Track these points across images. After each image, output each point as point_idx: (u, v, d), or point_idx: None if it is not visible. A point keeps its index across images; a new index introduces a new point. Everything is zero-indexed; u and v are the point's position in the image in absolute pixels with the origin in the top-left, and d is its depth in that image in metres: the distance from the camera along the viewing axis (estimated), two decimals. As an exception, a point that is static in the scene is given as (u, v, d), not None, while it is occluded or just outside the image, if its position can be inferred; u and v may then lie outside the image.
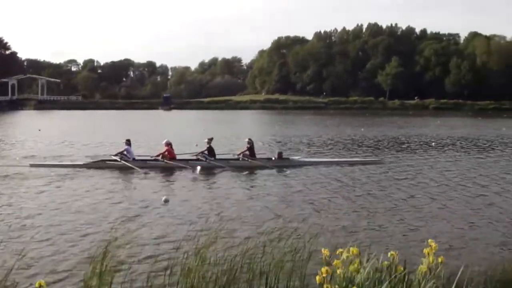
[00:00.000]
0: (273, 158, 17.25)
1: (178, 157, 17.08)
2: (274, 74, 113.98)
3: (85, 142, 26.13)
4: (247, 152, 17.10)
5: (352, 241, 6.66)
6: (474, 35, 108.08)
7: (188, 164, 16.38)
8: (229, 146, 22.95)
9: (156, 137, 25.76)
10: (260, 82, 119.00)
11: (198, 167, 16.00)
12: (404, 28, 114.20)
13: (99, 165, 16.46)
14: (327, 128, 40.46)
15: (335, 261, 3.63)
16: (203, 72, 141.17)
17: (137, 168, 15.88)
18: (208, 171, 15.98)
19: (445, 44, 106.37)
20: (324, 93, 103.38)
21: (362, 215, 10.22)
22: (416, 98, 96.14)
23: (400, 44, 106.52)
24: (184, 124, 47.79)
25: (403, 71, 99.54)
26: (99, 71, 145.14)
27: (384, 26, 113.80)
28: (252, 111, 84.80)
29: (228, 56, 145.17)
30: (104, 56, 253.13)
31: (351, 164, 17.83)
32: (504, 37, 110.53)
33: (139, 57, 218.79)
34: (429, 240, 3.79)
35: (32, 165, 16.47)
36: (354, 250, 3.66)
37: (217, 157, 17.12)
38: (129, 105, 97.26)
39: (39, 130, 34.76)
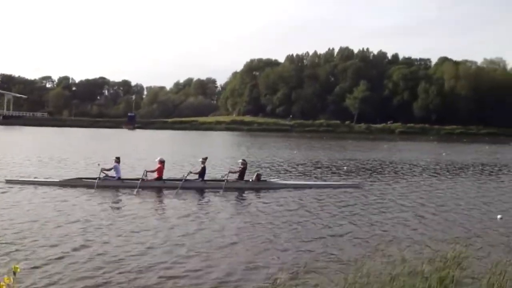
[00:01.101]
0: (251, 180, 17.38)
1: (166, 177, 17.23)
2: (245, 96, 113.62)
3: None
4: (237, 174, 17.37)
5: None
6: (443, 60, 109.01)
7: (171, 184, 16.49)
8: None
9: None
10: (232, 104, 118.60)
11: (178, 189, 15.95)
12: (375, 52, 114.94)
13: (75, 183, 16.58)
14: (266, 150, 39.48)
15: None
16: (177, 92, 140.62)
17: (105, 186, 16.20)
18: (186, 192, 16.00)
19: (414, 69, 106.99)
20: (291, 116, 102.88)
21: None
22: (389, 122, 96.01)
23: (371, 68, 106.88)
24: (142, 144, 46.19)
25: (371, 94, 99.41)
26: (74, 88, 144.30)
27: (356, 50, 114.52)
28: (215, 132, 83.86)
29: (204, 76, 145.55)
30: (84, 74, 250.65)
31: (324, 187, 17.64)
32: (475, 62, 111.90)
33: (116, 76, 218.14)
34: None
35: (8, 181, 16.50)
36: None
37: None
38: (94, 123, 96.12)
39: None
